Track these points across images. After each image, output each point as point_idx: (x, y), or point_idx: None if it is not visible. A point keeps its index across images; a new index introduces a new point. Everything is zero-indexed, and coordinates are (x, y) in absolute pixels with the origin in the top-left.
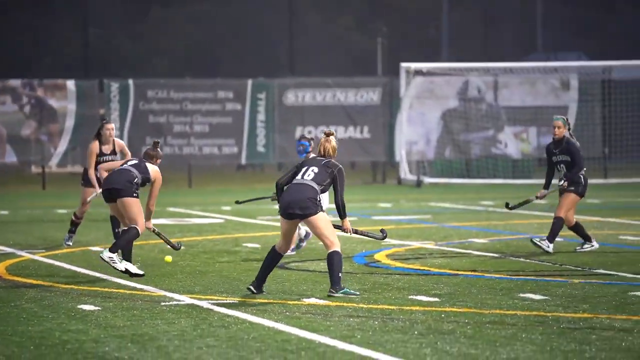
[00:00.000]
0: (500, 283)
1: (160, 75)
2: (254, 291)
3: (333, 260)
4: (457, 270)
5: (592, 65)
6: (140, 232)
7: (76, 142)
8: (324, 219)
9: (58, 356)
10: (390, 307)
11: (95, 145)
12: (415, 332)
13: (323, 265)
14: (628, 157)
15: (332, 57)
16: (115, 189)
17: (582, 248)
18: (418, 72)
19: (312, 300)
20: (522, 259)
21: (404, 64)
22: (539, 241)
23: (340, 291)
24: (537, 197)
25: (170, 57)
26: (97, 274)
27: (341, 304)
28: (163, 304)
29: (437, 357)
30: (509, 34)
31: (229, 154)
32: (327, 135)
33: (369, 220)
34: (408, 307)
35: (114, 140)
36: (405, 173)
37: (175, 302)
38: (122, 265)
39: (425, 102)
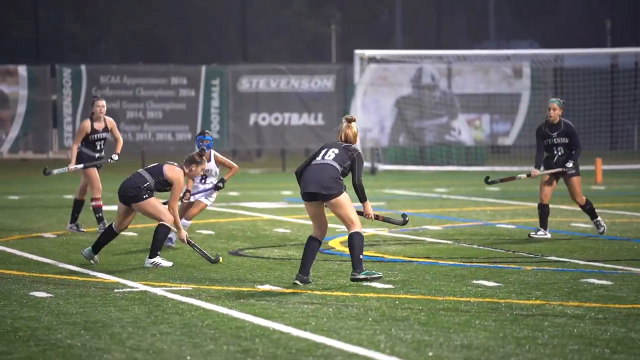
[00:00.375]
0: (454, 270)
1: (113, 61)
2: (300, 283)
3: (354, 241)
4: (411, 257)
5: (544, 53)
6: (168, 224)
7: (28, 128)
8: (348, 200)
9: (10, 343)
10: (344, 294)
11: (86, 124)
12: (370, 319)
13: (277, 252)
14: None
15: (285, 43)
16: (127, 196)
17: (535, 234)
18: (372, 59)
19: (267, 287)
20: (475, 246)
21: (357, 51)
22: (603, 231)
23: (363, 273)
24: (529, 176)
25: (123, 43)
26: (49, 261)
27: (295, 290)
28: (116, 290)
29: (391, 344)
30: (462, 22)
31: (183, 141)
32: (349, 121)
33: None
34: (362, 294)
35: (105, 117)
36: None
37: (128, 289)
38: (166, 262)
39: (379, 89)
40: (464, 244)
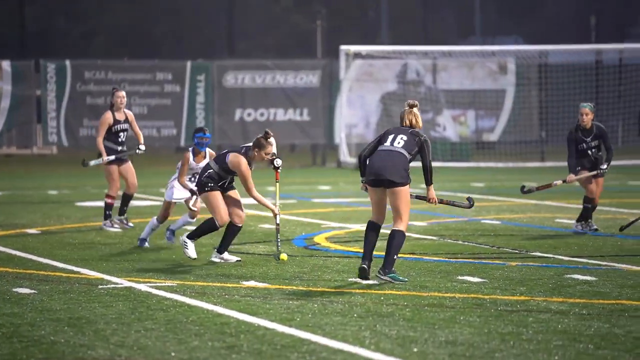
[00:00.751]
0: (439, 266)
1: (98, 56)
2: (366, 269)
3: (394, 239)
4: None
5: (529, 49)
6: (218, 225)
7: (12, 124)
8: (408, 193)
9: None
10: (329, 289)
11: (108, 115)
12: (355, 315)
13: (262, 248)
14: (564, 140)
15: (271, 38)
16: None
17: (589, 227)
18: (357, 55)
19: (251, 283)
20: (460, 242)
21: (343, 47)
22: (589, 229)
23: (389, 275)
24: (565, 182)
25: (108, 38)
26: (33, 257)
27: (280, 286)
28: (100, 287)
29: (376, 340)
30: (447, 18)
31: (168, 136)
32: (411, 106)
33: (308, 202)
34: (347, 290)
35: (124, 110)
36: (344, 156)
37: (112, 285)
38: (193, 253)
39: (364, 84)
40: (449, 240)
